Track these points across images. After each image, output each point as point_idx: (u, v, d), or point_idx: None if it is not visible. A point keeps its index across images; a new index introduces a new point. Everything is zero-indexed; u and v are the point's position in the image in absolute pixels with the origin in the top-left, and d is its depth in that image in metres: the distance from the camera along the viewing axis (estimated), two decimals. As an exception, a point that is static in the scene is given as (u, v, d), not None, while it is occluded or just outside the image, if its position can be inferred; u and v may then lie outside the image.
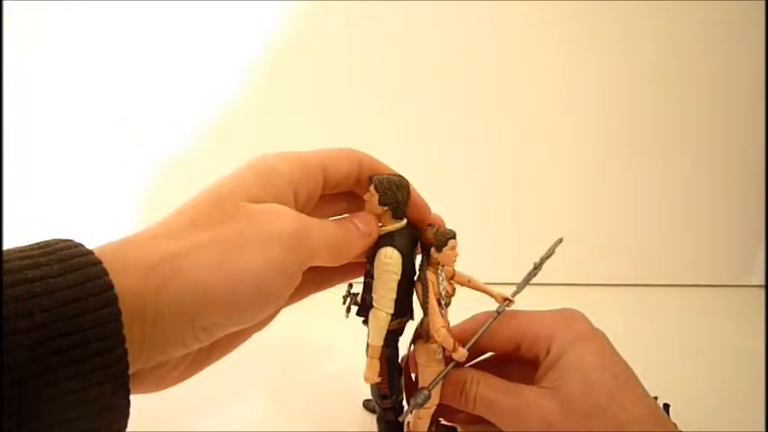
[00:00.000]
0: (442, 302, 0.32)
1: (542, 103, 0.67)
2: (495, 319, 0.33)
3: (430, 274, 0.32)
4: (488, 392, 0.31)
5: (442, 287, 0.32)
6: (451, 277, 0.33)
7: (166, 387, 0.26)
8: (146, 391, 0.25)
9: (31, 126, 0.63)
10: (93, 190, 0.64)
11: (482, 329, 0.33)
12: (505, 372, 0.36)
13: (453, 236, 0.32)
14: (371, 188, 0.31)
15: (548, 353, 0.31)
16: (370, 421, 0.42)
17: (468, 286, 0.33)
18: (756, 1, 0.63)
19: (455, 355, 0.31)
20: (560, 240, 0.34)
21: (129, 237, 0.24)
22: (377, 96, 0.65)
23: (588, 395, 0.28)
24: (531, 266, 0.34)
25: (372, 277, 0.32)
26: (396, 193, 0.31)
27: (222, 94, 0.63)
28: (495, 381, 0.32)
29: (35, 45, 0.61)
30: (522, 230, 0.69)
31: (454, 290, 0.33)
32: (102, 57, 0.62)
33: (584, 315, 0.34)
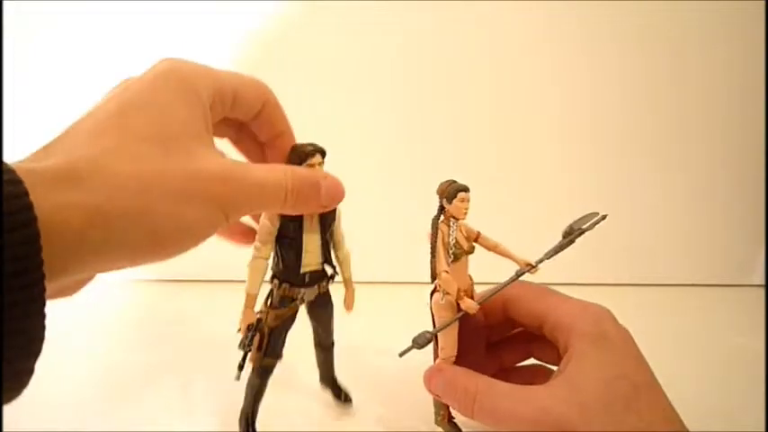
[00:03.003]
0: (450, 252, 0.33)
1: (543, 102, 0.67)
2: (512, 279, 0.33)
3: (441, 224, 0.34)
4: (501, 402, 0.30)
5: (451, 237, 0.33)
6: (476, 238, 0.34)
7: (63, 297, 0.25)
8: None
9: (27, 111, 0.63)
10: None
11: (498, 288, 0.33)
12: (531, 349, 0.37)
13: (464, 189, 0.33)
14: (320, 157, 0.33)
15: (567, 346, 0.31)
16: (367, 422, 0.42)
17: (495, 251, 0.34)
18: (756, 1, 0.63)
19: (463, 306, 0.32)
20: (604, 217, 0.34)
21: (62, 159, 0.22)
22: (374, 95, 0.65)
23: (606, 405, 0.28)
24: (561, 237, 0.34)
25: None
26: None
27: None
28: (501, 386, 0.31)
29: (31, 29, 0.61)
30: (522, 231, 0.69)
31: (472, 248, 0.34)
32: (97, 52, 0.62)
33: (610, 313, 0.33)
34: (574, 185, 0.69)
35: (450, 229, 0.33)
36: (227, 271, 0.50)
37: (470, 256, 0.35)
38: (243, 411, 0.37)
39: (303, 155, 0.32)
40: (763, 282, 0.72)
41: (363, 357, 0.50)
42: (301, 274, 0.35)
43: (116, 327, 0.59)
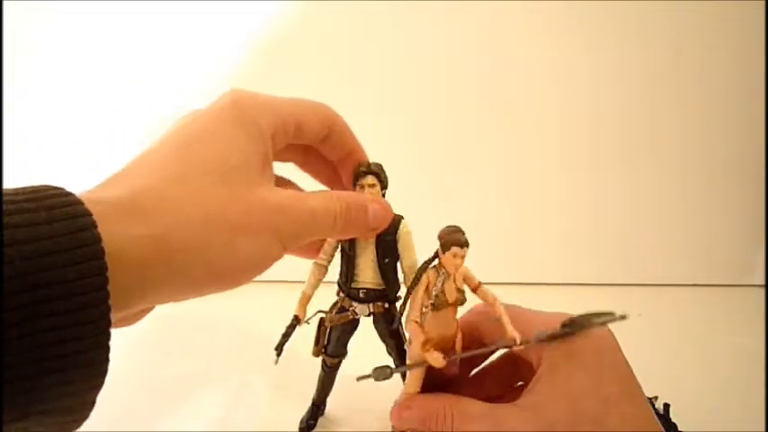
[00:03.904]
0: (429, 302, 0.32)
1: (544, 102, 0.67)
2: (490, 350, 0.32)
3: (430, 271, 0.32)
4: (466, 425, 0.30)
5: (436, 288, 0.31)
6: (475, 289, 0.33)
7: (122, 327, 0.25)
8: None
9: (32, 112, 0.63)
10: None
11: (473, 353, 0.32)
12: (519, 373, 0.36)
13: (459, 244, 0.31)
14: (372, 178, 0.33)
15: (538, 363, 0.30)
16: (364, 421, 0.42)
17: (491, 307, 0.32)
18: (756, 1, 0.63)
19: (429, 358, 0.31)
20: (622, 318, 0.29)
21: (127, 190, 0.23)
22: (375, 94, 0.65)
23: (572, 423, 0.27)
24: (560, 328, 0.30)
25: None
26: (386, 175, 0.34)
27: (216, 96, 0.62)
28: (473, 408, 0.31)
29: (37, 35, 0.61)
30: (522, 231, 0.69)
31: (461, 300, 0.32)
32: (98, 53, 0.62)
33: None
34: (574, 185, 0.69)
35: (437, 278, 0.32)
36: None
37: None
38: (313, 398, 0.41)
39: (355, 175, 0.33)
40: (763, 282, 0.72)
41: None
42: (355, 289, 0.36)
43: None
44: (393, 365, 0.34)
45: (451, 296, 0.32)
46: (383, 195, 0.34)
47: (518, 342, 0.30)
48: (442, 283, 0.32)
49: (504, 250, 0.68)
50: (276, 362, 0.35)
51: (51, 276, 0.18)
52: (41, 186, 0.20)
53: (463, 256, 0.31)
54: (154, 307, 0.27)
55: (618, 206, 0.70)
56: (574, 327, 0.29)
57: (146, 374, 0.48)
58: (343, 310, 0.37)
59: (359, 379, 0.33)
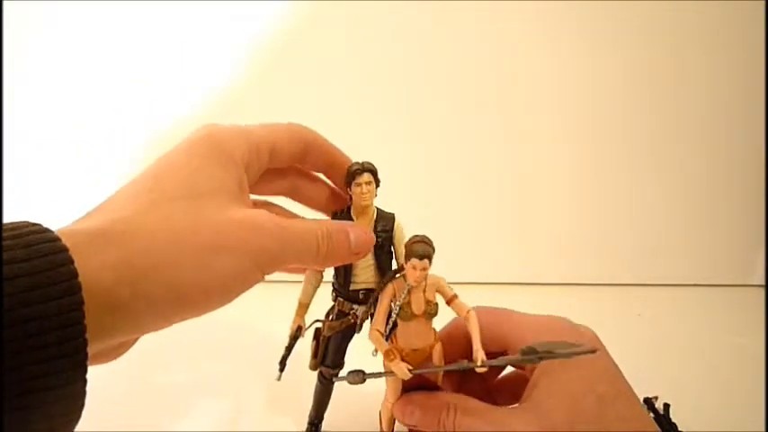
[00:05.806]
0: (393, 313, 0.32)
1: (543, 102, 0.67)
2: (453, 368, 0.32)
3: (396, 282, 0.32)
4: (467, 420, 0.30)
5: (401, 299, 0.31)
6: (449, 302, 0.32)
7: (102, 363, 0.25)
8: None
9: (30, 113, 0.63)
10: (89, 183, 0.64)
11: (436, 369, 0.32)
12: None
13: (417, 255, 0.30)
14: (368, 176, 0.32)
15: (534, 367, 0.31)
16: (368, 422, 0.42)
17: (464, 320, 0.32)
18: (756, 1, 0.63)
19: (393, 368, 0.31)
20: (591, 352, 0.28)
21: (100, 221, 0.23)
22: (373, 95, 0.65)
23: (573, 422, 0.28)
24: (536, 357, 0.28)
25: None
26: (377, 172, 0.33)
27: (216, 96, 0.63)
28: (475, 405, 0.31)
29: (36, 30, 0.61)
30: (522, 231, 0.69)
31: (430, 312, 0.32)
32: (100, 55, 0.62)
33: (570, 324, 0.33)
34: (575, 185, 0.69)
35: (402, 290, 0.31)
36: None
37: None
38: (309, 415, 0.39)
39: (350, 175, 0.32)
40: (763, 282, 0.72)
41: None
42: (354, 291, 0.35)
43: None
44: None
45: (419, 308, 0.31)
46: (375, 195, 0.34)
47: (479, 363, 0.29)
48: (408, 294, 0.31)
49: (504, 250, 0.68)
50: (279, 378, 0.35)
51: (30, 312, 0.18)
52: (20, 223, 0.21)
53: (423, 268, 0.30)
54: (133, 343, 0.27)
55: (618, 206, 0.70)
56: (534, 355, 0.28)
57: (139, 382, 0.47)
58: (341, 314, 0.35)
59: (336, 380, 0.33)
